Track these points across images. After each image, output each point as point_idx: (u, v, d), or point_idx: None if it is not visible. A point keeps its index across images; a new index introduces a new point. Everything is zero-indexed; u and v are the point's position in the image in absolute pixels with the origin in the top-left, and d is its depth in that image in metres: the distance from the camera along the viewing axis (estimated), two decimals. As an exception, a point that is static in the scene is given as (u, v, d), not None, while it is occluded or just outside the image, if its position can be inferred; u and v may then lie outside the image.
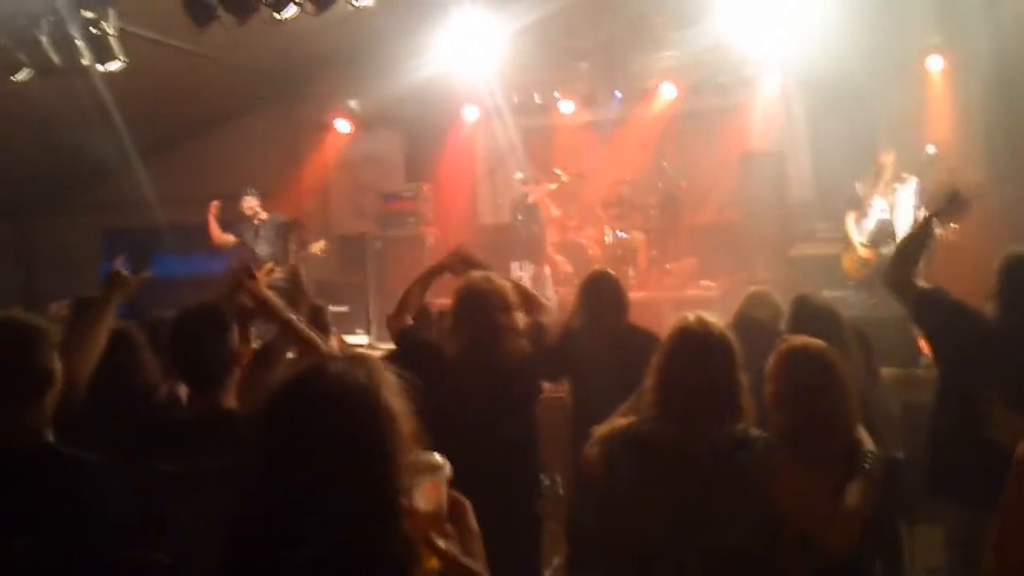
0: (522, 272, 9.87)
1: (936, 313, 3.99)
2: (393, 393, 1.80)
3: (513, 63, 10.69)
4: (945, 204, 4.19)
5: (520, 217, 10.47)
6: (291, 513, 1.71)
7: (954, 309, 3.95)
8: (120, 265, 3.75)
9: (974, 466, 3.51)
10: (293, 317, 3.51)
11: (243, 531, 1.81)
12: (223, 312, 3.10)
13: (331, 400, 1.75)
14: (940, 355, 4.09)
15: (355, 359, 1.86)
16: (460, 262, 4.53)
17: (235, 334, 3.07)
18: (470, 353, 3.98)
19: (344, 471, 1.70)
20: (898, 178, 8.33)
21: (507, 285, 4.13)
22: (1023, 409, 3.50)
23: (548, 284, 10.09)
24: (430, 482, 1.86)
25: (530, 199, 10.48)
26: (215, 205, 9.79)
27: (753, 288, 5.11)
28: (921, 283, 4.05)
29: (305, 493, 1.70)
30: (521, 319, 4.06)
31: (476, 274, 4.18)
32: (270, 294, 3.60)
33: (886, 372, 4.93)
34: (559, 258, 10.65)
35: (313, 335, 3.53)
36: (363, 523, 1.72)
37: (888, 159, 8.39)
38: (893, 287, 4.15)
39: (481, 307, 3.98)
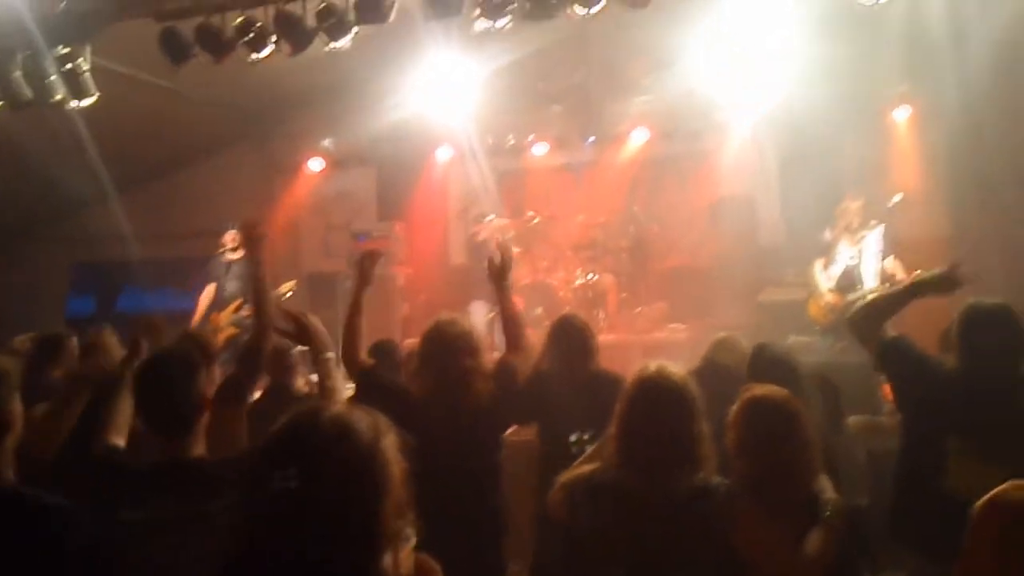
0: (475, 312, 9.76)
1: (901, 363, 4.01)
2: (390, 439, 1.81)
3: (487, 105, 10.76)
4: (935, 279, 4.20)
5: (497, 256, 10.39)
6: (276, 550, 1.71)
7: (919, 360, 3.97)
8: None
9: (935, 516, 3.52)
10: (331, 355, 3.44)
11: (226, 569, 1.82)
12: (191, 355, 3.04)
13: (330, 441, 1.75)
14: (903, 404, 4.11)
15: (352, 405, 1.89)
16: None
17: (204, 377, 3.01)
18: (436, 395, 3.98)
19: (336, 510, 1.71)
20: (866, 225, 8.42)
21: (474, 327, 4.14)
22: (982, 460, 3.52)
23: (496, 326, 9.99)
24: (399, 549, 1.87)
25: (479, 237, 10.47)
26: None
27: (720, 334, 5.14)
28: (887, 332, 4.07)
29: (295, 530, 1.70)
30: (489, 359, 4.06)
31: (443, 317, 4.18)
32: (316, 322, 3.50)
33: (852, 420, 4.94)
34: (515, 298, 10.57)
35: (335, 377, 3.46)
36: (347, 561, 1.72)
37: (854, 205, 8.50)
38: (858, 336, 4.17)
39: (448, 350, 3.99)
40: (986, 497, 2.15)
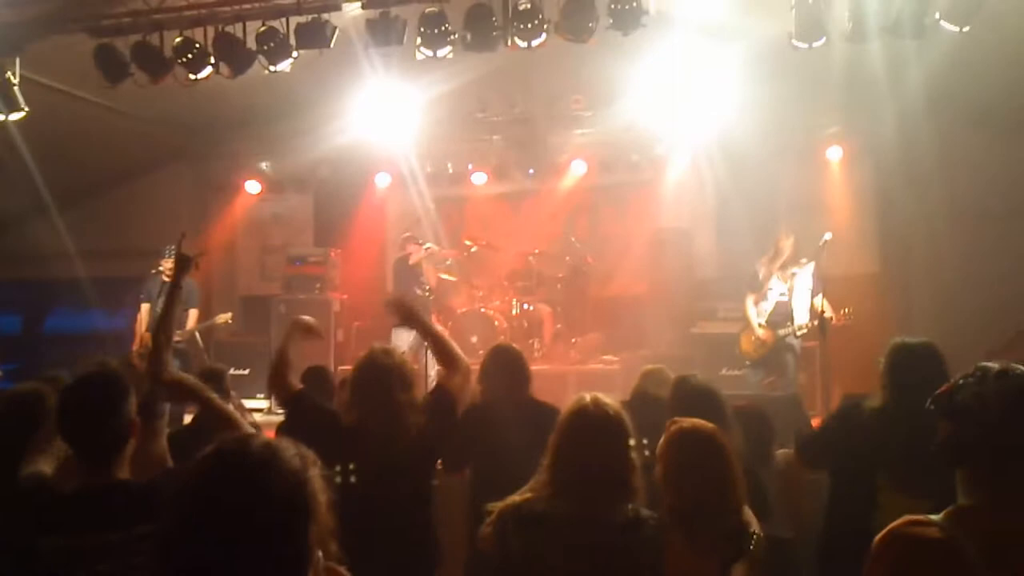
0: (397, 337, 9.66)
1: (821, 450, 4.15)
2: (316, 470, 1.81)
3: (427, 133, 10.79)
4: None
5: (427, 290, 10.36)
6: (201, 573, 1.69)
7: (830, 430, 4.09)
8: None
9: (864, 551, 3.56)
10: (213, 396, 3.34)
11: None
12: (120, 380, 2.98)
13: (259, 467, 1.74)
14: (835, 461, 4.16)
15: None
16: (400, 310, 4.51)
17: (133, 403, 2.93)
18: (367, 425, 3.94)
19: (263, 535, 1.69)
20: (796, 262, 8.59)
21: (407, 359, 4.12)
22: (911, 495, 3.56)
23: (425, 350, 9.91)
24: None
25: (411, 261, 10.45)
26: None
27: (648, 366, 5.20)
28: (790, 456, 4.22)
29: (221, 554, 1.68)
30: (421, 391, 4.05)
31: (376, 347, 4.15)
32: (189, 378, 3.40)
33: (779, 453, 5.01)
34: (439, 327, 10.50)
35: (233, 412, 3.40)
36: None
37: (787, 243, 8.65)
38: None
39: (380, 382, 3.96)
40: (884, 531, 2.21)
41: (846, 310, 8.22)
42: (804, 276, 8.52)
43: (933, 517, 2.17)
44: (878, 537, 2.21)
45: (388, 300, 4.64)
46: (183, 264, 3.94)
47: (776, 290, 8.66)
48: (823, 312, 7.85)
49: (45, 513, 2.77)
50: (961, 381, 2.26)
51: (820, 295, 8.06)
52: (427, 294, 10.31)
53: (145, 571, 2.50)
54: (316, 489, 1.79)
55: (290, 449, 1.80)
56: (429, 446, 4.13)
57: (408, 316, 4.55)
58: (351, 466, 3.71)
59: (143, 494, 2.76)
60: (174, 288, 3.89)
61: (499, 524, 3.11)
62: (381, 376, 3.97)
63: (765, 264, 8.76)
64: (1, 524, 2.72)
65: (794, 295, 8.56)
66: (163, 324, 3.73)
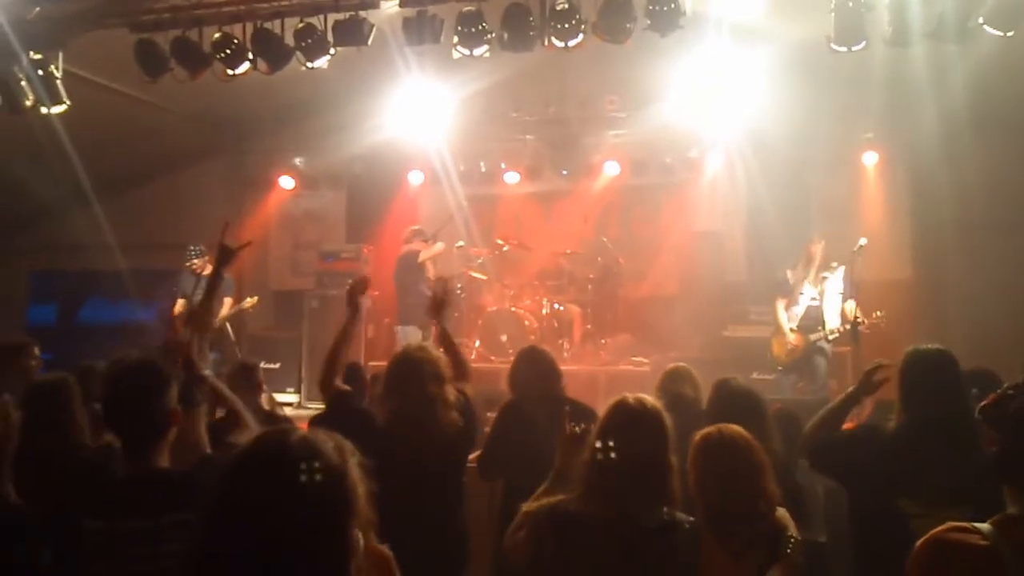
0: (405, 337, 9.68)
1: (834, 461, 3.95)
2: (354, 460, 1.83)
3: (461, 132, 10.81)
4: (858, 389, 4.15)
5: (459, 286, 10.42)
6: (244, 564, 1.70)
7: (847, 441, 3.94)
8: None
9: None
10: (221, 385, 3.42)
11: None
12: (162, 370, 3.01)
13: (300, 460, 1.76)
14: (849, 480, 4.03)
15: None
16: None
17: (174, 392, 2.98)
18: (400, 422, 3.96)
19: (305, 528, 1.71)
20: (827, 266, 8.53)
21: (442, 355, 4.14)
22: (944, 507, 3.47)
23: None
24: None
25: (420, 258, 10.48)
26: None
27: (672, 365, 5.19)
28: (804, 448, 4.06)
29: (263, 546, 1.70)
30: (452, 391, 4.07)
31: (411, 343, 4.20)
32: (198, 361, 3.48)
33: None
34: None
35: (235, 400, 3.47)
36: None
37: (818, 248, 8.60)
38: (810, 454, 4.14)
39: (415, 377, 3.98)
40: (926, 536, 2.20)
41: (878, 312, 8.14)
42: (835, 280, 8.46)
43: (978, 525, 2.15)
44: (920, 541, 2.19)
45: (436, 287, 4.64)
46: (226, 256, 3.93)
47: (807, 295, 8.61)
48: (855, 317, 7.79)
49: (91, 496, 2.83)
50: (1011, 392, 2.23)
51: (852, 300, 8.01)
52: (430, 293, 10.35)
53: (174, 558, 2.56)
54: (355, 481, 1.80)
55: (328, 442, 1.81)
56: (461, 442, 4.16)
57: (437, 308, 4.65)
58: (383, 463, 3.72)
59: (182, 483, 2.80)
60: (215, 279, 3.91)
61: (532, 526, 3.08)
62: (415, 369, 4.01)
63: (796, 269, 8.71)
64: (51, 502, 2.77)
65: (825, 299, 8.51)
66: (200, 316, 3.77)
